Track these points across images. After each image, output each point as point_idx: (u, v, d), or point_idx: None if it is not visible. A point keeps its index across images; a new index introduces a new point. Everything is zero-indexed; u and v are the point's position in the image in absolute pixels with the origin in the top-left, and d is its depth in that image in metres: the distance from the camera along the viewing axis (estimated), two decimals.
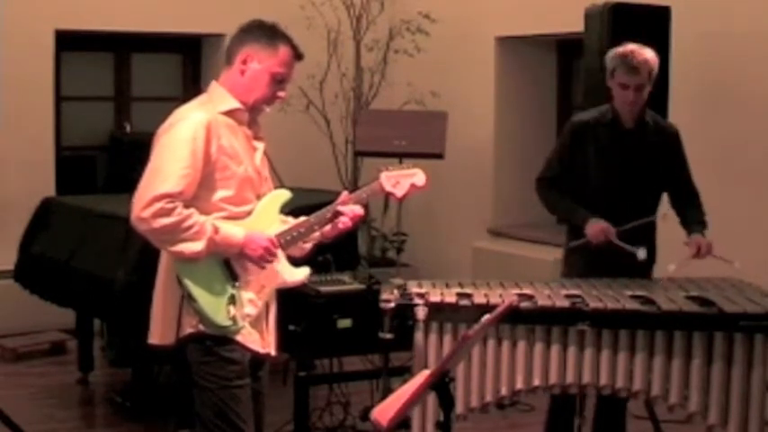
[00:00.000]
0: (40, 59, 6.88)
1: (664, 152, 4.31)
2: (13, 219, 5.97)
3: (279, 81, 3.31)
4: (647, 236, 4.30)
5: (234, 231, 3.22)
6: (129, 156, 6.83)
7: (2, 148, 6.71)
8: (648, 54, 4.16)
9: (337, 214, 3.39)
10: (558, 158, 4.37)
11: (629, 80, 4.13)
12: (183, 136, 3.15)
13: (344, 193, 3.45)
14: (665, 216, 4.30)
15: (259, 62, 3.28)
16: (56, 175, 7.06)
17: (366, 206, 3.51)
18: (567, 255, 4.44)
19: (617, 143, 4.26)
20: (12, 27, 6.48)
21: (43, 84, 6.94)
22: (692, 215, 4.34)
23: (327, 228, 3.44)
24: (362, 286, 4.62)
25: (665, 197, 4.44)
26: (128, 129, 7.54)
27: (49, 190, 6.72)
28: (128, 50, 7.65)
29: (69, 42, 7.12)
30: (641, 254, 4.10)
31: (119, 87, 7.67)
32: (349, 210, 3.39)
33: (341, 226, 3.41)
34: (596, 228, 4.16)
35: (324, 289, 4.53)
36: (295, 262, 3.45)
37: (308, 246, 3.51)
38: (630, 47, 4.18)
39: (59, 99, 7.22)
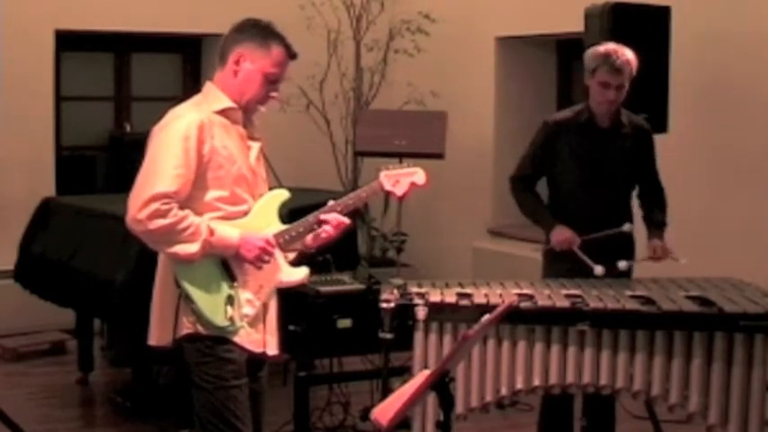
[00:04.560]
0: (40, 59, 6.88)
1: (638, 151, 4.34)
2: (13, 219, 5.97)
3: (272, 81, 3.30)
4: (625, 247, 4.32)
5: (229, 233, 3.21)
6: (129, 156, 6.83)
7: (2, 148, 6.71)
8: (630, 54, 4.18)
9: (321, 222, 3.37)
10: (531, 158, 4.40)
11: (611, 79, 4.14)
12: (176, 135, 3.15)
13: (330, 203, 3.42)
14: (631, 228, 4.31)
15: (252, 62, 3.27)
16: (56, 175, 7.06)
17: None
18: (547, 258, 4.44)
19: (592, 143, 4.27)
20: (12, 27, 6.48)
21: (43, 84, 6.94)
22: (657, 216, 4.39)
23: (309, 238, 3.42)
24: (362, 286, 4.62)
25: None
26: (128, 129, 7.54)
27: (49, 190, 6.72)
28: (128, 50, 7.65)
29: (69, 42, 7.12)
30: (598, 270, 4.12)
31: (119, 87, 7.67)
32: (333, 218, 3.37)
33: (324, 236, 3.38)
34: (561, 236, 4.20)
35: (324, 289, 4.52)
36: (296, 262, 3.45)
37: (291, 256, 3.47)
38: (612, 46, 4.20)
39: (59, 99, 7.22)
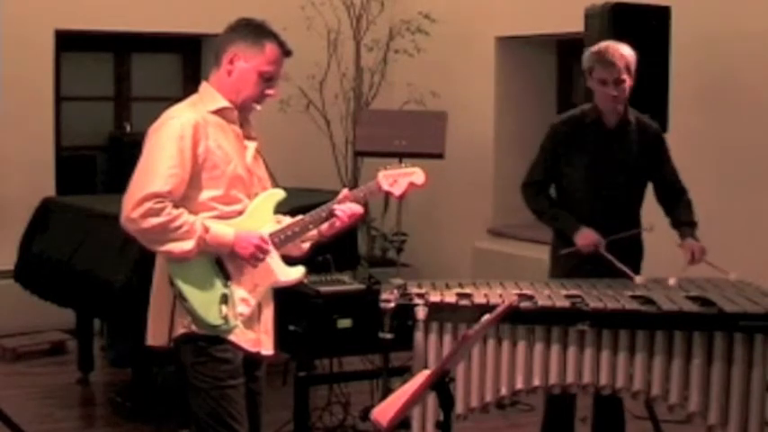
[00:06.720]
0: (40, 59, 6.88)
1: (647, 150, 4.32)
2: (13, 219, 5.97)
3: (267, 79, 3.30)
4: (632, 241, 4.30)
5: (224, 230, 3.21)
6: (129, 156, 6.79)
7: (2, 148, 6.71)
8: (624, 49, 4.18)
9: (333, 213, 3.39)
10: (543, 163, 4.38)
11: (606, 75, 4.14)
12: (171, 135, 3.16)
13: (344, 191, 3.44)
14: (652, 228, 4.29)
15: (246, 61, 3.28)
16: (56, 175, 7.06)
17: (366, 206, 3.51)
18: (555, 257, 4.42)
19: (600, 143, 4.26)
20: (12, 27, 6.48)
21: (43, 84, 6.94)
22: (681, 215, 4.32)
23: (325, 227, 3.43)
24: (362, 286, 4.61)
25: (649, 203, 4.43)
26: (128, 129, 7.54)
27: (49, 190, 6.71)
28: (128, 50, 7.65)
29: (69, 42, 7.12)
30: (639, 279, 4.03)
31: (119, 87, 7.67)
32: (347, 208, 3.38)
33: (337, 224, 3.40)
34: (587, 238, 4.16)
35: (324, 289, 4.52)
36: (294, 261, 3.45)
37: (307, 245, 3.50)
38: (605, 43, 4.22)
39: (59, 99, 7.22)
